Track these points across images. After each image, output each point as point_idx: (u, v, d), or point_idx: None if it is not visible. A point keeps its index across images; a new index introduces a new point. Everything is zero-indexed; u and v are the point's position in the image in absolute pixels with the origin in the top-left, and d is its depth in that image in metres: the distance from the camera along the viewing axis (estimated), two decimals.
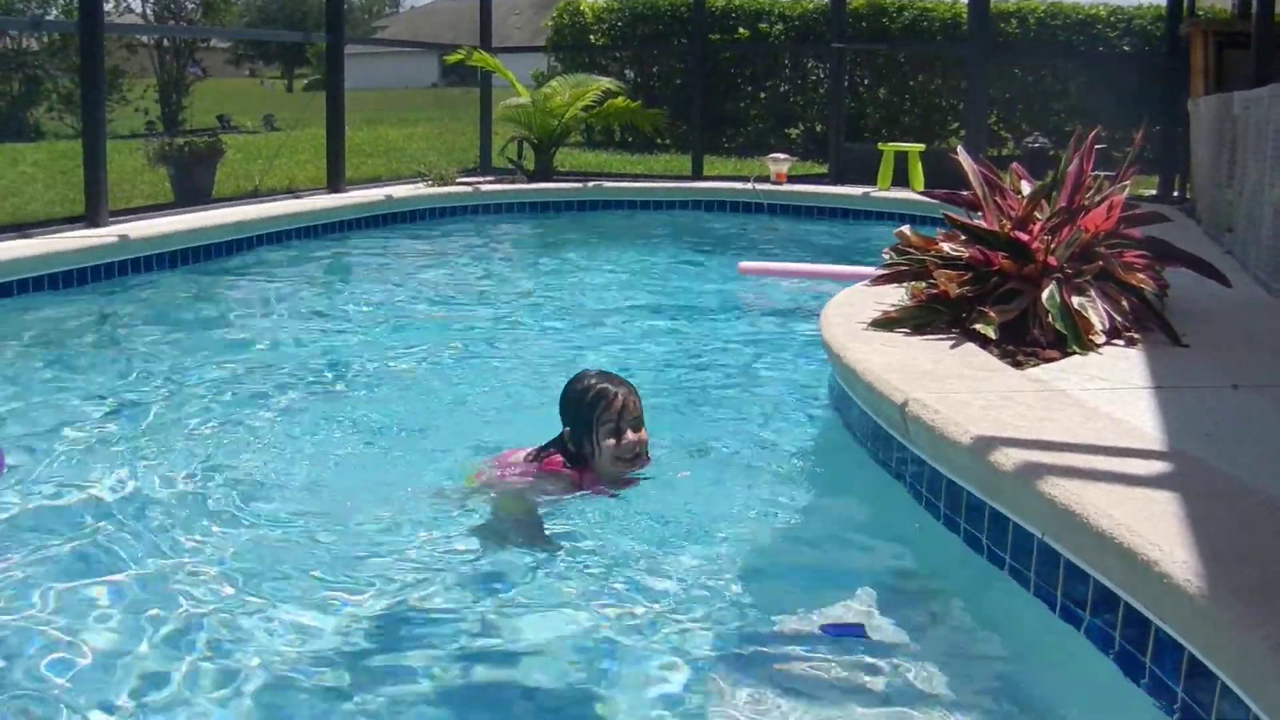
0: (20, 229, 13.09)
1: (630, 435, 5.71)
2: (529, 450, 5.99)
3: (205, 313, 11.42)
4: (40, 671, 4.28)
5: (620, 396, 5.71)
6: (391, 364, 9.30)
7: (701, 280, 13.74)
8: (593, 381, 5.80)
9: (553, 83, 21.51)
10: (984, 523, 4.97)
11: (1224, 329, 7.59)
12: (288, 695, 4.16)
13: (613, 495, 5.69)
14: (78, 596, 4.90)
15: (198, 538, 5.50)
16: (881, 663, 4.34)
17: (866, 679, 4.23)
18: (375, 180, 20.19)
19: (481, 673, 4.40)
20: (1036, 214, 7.48)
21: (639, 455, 5.80)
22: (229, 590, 4.95)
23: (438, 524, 5.58)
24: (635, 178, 21.94)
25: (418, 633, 4.67)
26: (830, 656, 4.39)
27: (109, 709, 4.06)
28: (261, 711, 4.05)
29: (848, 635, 4.52)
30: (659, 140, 28.19)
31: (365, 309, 11.87)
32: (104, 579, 5.07)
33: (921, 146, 19.55)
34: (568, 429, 5.81)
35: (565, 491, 5.72)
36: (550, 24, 31.40)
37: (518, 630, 4.65)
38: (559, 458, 5.84)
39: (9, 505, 5.87)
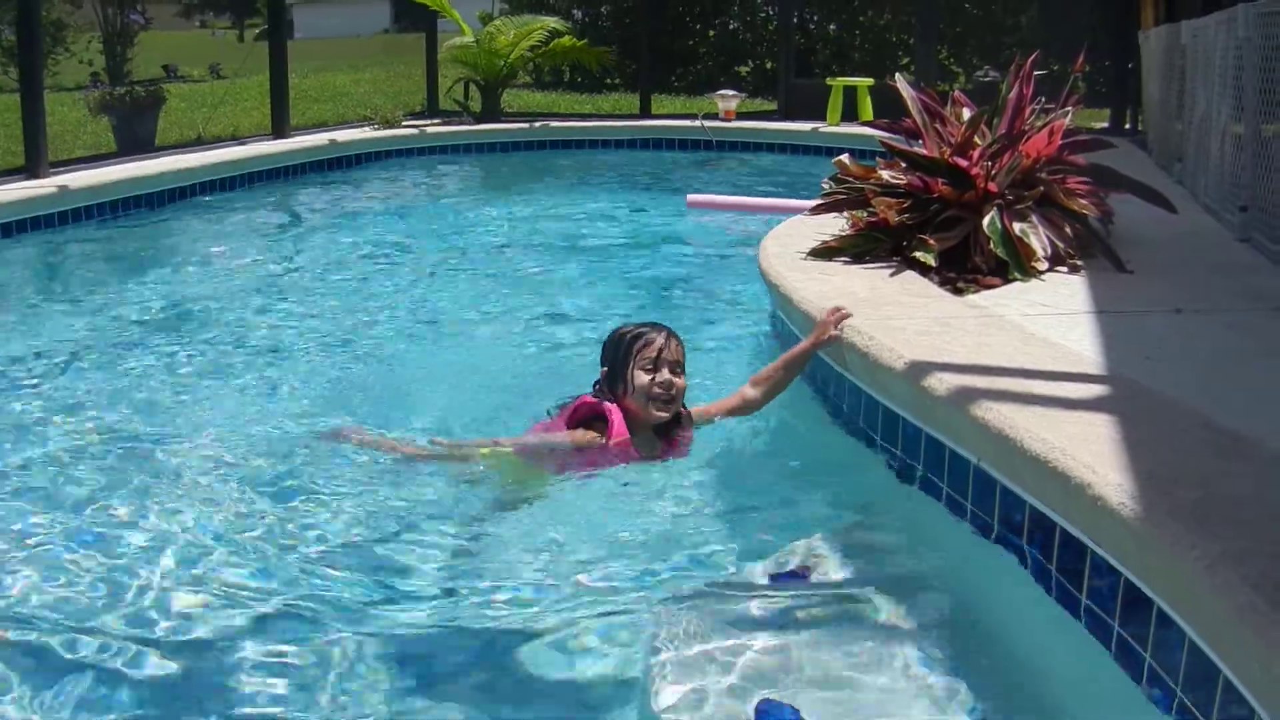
0: None
1: (666, 374, 5.45)
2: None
3: (144, 261, 11.30)
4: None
5: (661, 338, 5.52)
6: (337, 309, 9.22)
7: (649, 215, 13.70)
8: (635, 325, 5.65)
9: (496, 22, 21.39)
10: (920, 449, 4.89)
11: (1169, 255, 7.53)
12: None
13: (639, 459, 5.47)
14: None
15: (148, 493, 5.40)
16: (824, 597, 4.30)
17: (808, 615, 4.17)
18: (321, 125, 20.02)
19: (435, 617, 4.32)
20: (977, 140, 7.38)
21: (673, 398, 5.51)
22: (174, 545, 4.86)
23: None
24: (583, 117, 21.85)
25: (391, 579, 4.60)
26: (773, 595, 4.34)
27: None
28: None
29: (790, 581, 4.45)
30: (608, 80, 28.05)
31: (307, 253, 11.80)
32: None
33: (871, 81, 19.48)
34: (604, 369, 5.63)
35: (591, 447, 5.44)
36: None
37: (463, 577, 4.59)
38: (587, 403, 5.57)
39: None
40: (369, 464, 5.63)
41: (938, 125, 7.70)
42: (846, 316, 5.57)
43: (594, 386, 5.66)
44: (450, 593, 4.48)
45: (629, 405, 5.47)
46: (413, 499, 5.27)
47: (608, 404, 5.48)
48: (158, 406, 6.69)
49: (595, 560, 4.65)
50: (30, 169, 13.36)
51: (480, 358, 7.71)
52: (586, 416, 5.50)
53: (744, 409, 5.80)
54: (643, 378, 5.42)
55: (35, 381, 7.18)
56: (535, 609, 4.31)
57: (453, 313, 9.08)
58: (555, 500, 5.20)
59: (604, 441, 5.41)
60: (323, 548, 4.80)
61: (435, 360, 7.76)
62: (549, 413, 5.71)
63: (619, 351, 5.54)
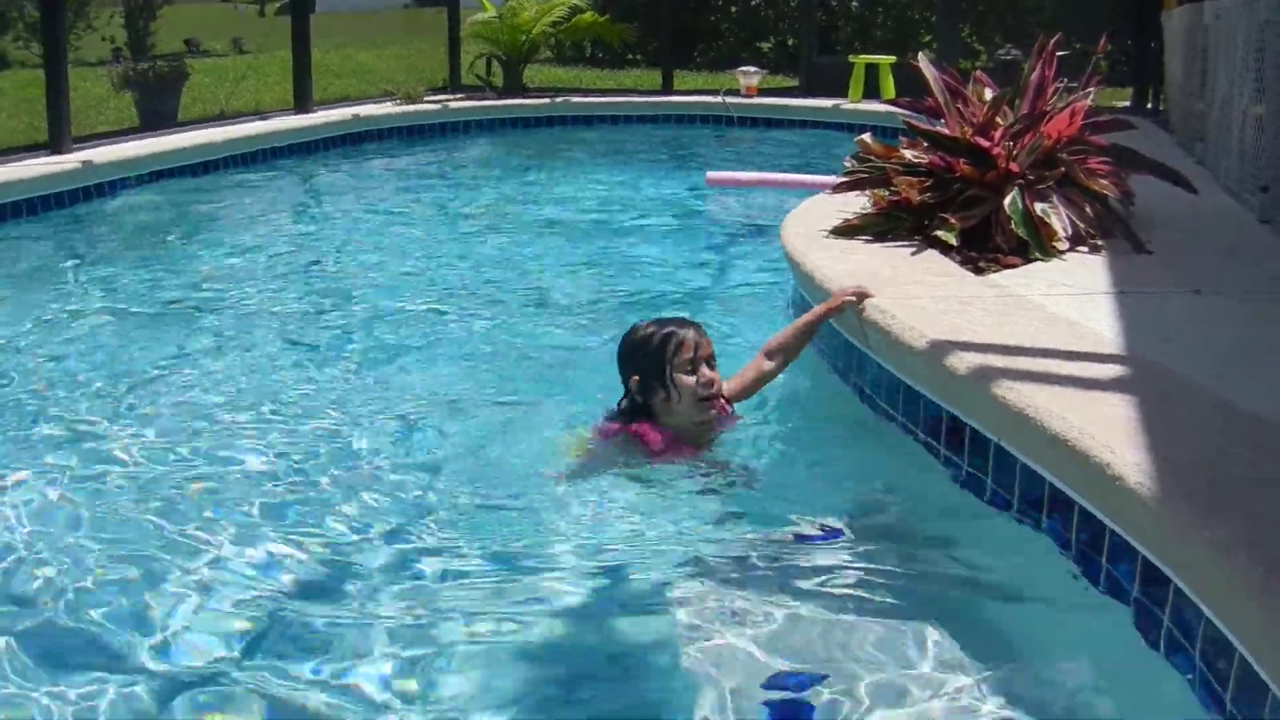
0: None
1: (707, 372, 5.29)
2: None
3: (170, 236, 11.35)
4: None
5: (692, 335, 5.28)
6: (362, 285, 9.28)
7: (670, 191, 13.70)
8: (656, 328, 5.35)
9: None
10: (940, 427, 4.93)
11: (1189, 236, 7.54)
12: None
13: (697, 458, 5.32)
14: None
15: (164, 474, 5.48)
16: (843, 566, 4.35)
17: (828, 588, 4.21)
18: (344, 100, 20.00)
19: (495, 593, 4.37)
20: (999, 120, 7.39)
21: (717, 394, 5.37)
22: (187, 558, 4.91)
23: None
24: (604, 93, 21.82)
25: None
26: (794, 562, 4.41)
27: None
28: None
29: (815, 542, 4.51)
30: (629, 56, 28.02)
31: (332, 228, 11.86)
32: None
33: (893, 58, 19.40)
34: (635, 379, 5.33)
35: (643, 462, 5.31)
36: None
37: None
38: (633, 427, 5.35)
39: None
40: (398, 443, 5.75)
41: (959, 105, 7.71)
42: (865, 294, 5.57)
43: (619, 403, 5.47)
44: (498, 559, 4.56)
45: (671, 409, 5.31)
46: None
47: (631, 429, 5.32)
48: (182, 380, 6.77)
49: (626, 534, 4.75)
50: (54, 145, 13.38)
51: (502, 331, 7.78)
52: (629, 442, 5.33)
53: (763, 380, 5.71)
54: (688, 381, 5.24)
55: (58, 357, 7.25)
56: (563, 581, 4.37)
57: (476, 286, 9.12)
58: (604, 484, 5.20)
59: (651, 458, 5.25)
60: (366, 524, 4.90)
61: (458, 334, 7.81)
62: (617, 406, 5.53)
63: (650, 357, 5.30)
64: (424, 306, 8.51)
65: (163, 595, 4.25)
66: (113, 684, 3.68)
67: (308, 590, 4.38)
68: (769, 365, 5.70)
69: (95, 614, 4.13)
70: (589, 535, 4.74)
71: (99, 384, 6.70)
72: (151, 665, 3.82)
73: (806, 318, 5.83)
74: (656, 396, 5.30)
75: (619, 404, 5.47)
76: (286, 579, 4.44)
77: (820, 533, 4.63)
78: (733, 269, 9.58)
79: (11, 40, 32.63)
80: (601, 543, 4.68)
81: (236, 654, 3.90)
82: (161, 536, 4.73)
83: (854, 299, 5.58)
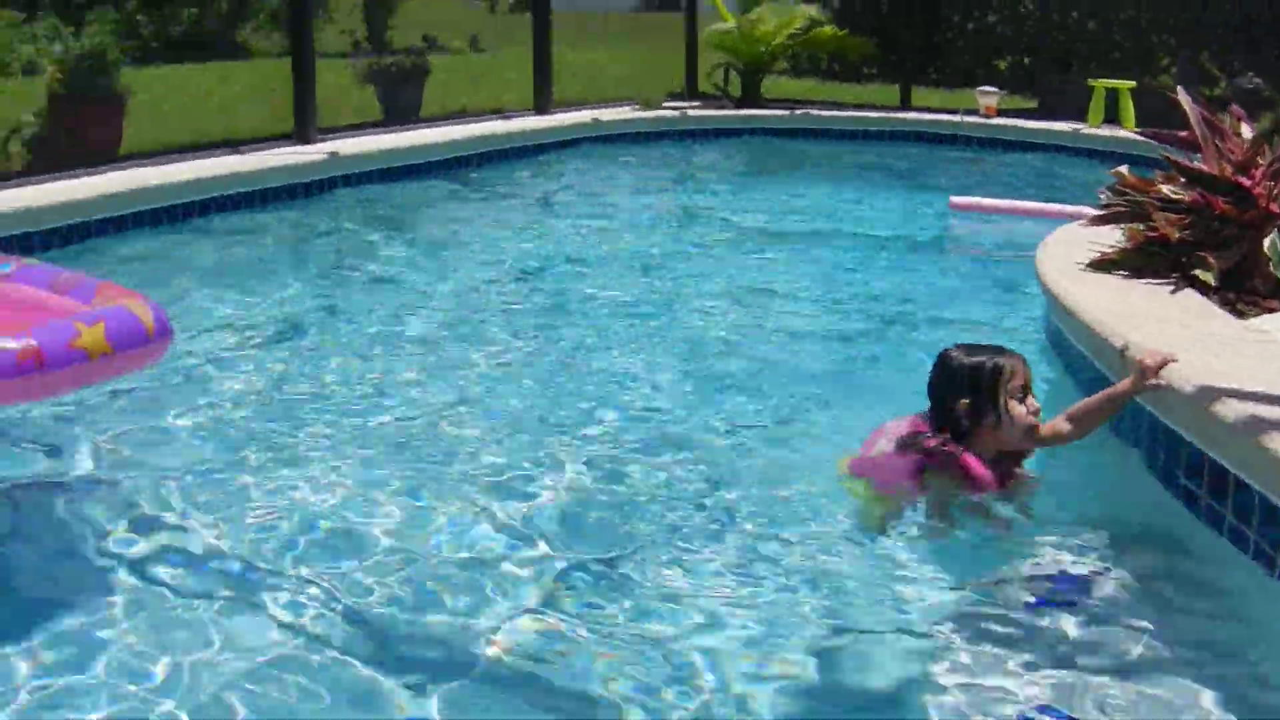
0: (231, 145, 13.26)
1: (1034, 401, 5.36)
2: (907, 427, 5.53)
3: (417, 230, 11.61)
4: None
5: (1022, 365, 5.38)
6: (605, 289, 9.45)
7: (910, 213, 13.61)
8: (987, 355, 5.41)
9: (758, 9, 21.37)
10: (1204, 475, 4.87)
11: None
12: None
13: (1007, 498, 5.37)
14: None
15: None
16: (1096, 623, 4.33)
17: (1081, 639, 4.21)
18: (580, 103, 20.13)
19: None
20: (1259, 158, 7.30)
21: (1037, 425, 5.41)
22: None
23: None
24: (842, 106, 21.74)
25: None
26: (1042, 616, 4.39)
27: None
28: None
29: (1063, 593, 4.48)
30: (866, 70, 27.90)
31: (576, 232, 11.97)
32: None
33: (1133, 83, 19.13)
34: (965, 403, 5.33)
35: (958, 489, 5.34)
36: None
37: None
38: (962, 453, 5.34)
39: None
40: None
41: (1217, 140, 7.60)
42: (1169, 361, 5.29)
43: (933, 426, 5.42)
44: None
45: (992, 436, 5.33)
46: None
47: (955, 454, 5.31)
48: (431, 377, 7.04)
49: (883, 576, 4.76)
50: (300, 134, 13.69)
51: (738, 339, 7.87)
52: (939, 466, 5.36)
53: (1056, 441, 5.50)
54: (1020, 409, 5.29)
55: (308, 345, 7.59)
56: (828, 602, 4.47)
57: (712, 296, 9.23)
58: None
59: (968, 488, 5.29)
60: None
61: (691, 336, 8.00)
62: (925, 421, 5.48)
63: (982, 384, 5.33)
64: (662, 314, 8.64)
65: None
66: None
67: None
68: (1065, 428, 5.48)
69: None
70: (864, 565, 4.82)
71: (347, 369, 7.07)
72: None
73: (1112, 392, 5.54)
74: (986, 421, 5.31)
75: (932, 427, 5.42)
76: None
77: (1081, 576, 4.60)
78: (977, 296, 9.49)
79: (253, 29, 33.29)
80: (874, 572, 4.76)
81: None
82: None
83: (1162, 382, 5.24)
